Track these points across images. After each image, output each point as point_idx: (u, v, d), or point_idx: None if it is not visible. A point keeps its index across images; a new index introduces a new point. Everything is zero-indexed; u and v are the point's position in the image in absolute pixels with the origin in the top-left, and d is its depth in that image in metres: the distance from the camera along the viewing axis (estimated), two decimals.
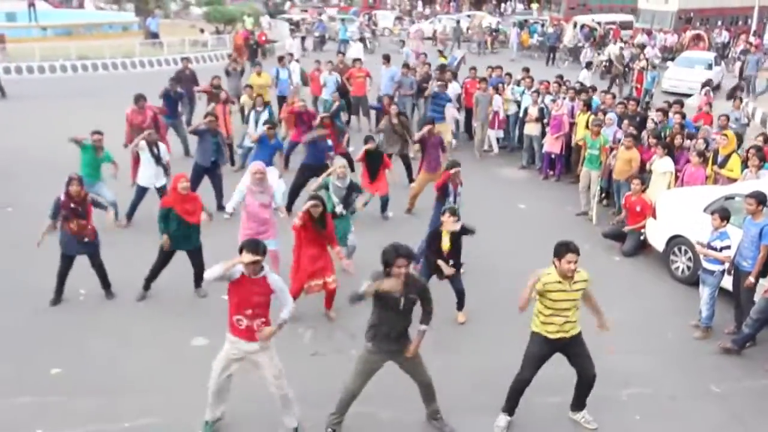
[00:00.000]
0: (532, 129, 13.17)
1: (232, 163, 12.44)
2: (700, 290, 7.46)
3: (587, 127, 11.40)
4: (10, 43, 24.01)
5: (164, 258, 7.67)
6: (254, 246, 5.05)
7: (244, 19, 30.51)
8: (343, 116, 14.34)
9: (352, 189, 8.29)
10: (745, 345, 7.05)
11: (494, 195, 11.63)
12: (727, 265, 7.19)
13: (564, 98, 12.92)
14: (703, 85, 15.88)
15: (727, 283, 7.42)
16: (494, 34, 33.84)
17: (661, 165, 9.85)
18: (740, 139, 11.55)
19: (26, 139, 13.99)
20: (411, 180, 11.57)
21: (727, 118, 11.51)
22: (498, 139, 14.50)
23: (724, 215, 7.08)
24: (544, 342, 5.51)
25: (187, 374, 6.34)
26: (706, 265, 7.30)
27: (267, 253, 5.19)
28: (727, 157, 9.69)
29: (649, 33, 32.63)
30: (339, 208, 8.05)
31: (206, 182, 10.21)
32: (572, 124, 12.43)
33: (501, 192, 12.02)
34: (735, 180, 9.30)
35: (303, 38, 30.09)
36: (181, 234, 7.48)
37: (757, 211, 6.99)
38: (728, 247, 7.07)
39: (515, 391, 5.69)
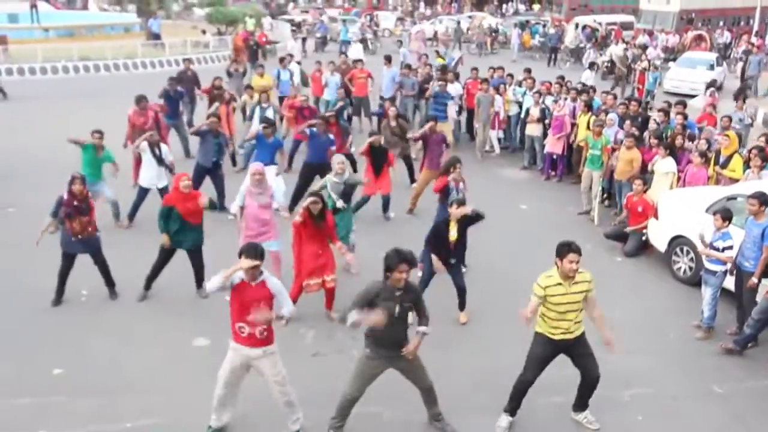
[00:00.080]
0: (533, 130, 13.17)
1: (234, 164, 12.45)
2: (702, 291, 7.44)
3: (588, 127, 11.40)
4: (13, 45, 24.06)
5: (165, 257, 7.67)
6: (253, 251, 5.05)
7: (245, 20, 30.54)
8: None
9: (351, 183, 8.27)
10: (747, 345, 7.03)
11: (496, 195, 11.62)
12: (729, 266, 7.17)
13: (565, 99, 12.92)
14: (708, 86, 15.85)
15: (729, 283, 7.42)
16: (494, 34, 33.85)
17: (664, 165, 9.84)
18: (740, 139, 11.54)
19: (28, 140, 14.01)
20: (413, 180, 11.59)
21: (730, 119, 11.50)
22: (499, 140, 14.51)
23: (726, 216, 7.07)
24: (547, 343, 5.49)
25: (189, 374, 6.35)
26: (708, 265, 7.29)
27: (265, 256, 5.19)
28: (729, 157, 9.68)
29: (650, 34, 32.62)
30: (339, 203, 8.05)
31: (208, 183, 10.20)
32: (574, 125, 12.42)
33: (503, 192, 12.01)
34: (737, 180, 9.29)
35: (304, 39, 30.11)
36: (182, 232, 7.48)
37: (760, 212, 6.98)
38: (730, 248, 7.05)
39: (518, 392, 5.67)
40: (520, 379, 5.65)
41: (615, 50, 23.52)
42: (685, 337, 7.43)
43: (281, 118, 13.59)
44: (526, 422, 5.82)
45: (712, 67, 22.91)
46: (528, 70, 15.12)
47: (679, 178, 9.87)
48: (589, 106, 12.31)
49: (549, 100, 13.20)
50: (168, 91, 12.79)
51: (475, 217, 7.24)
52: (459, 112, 14.88)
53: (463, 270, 7.76)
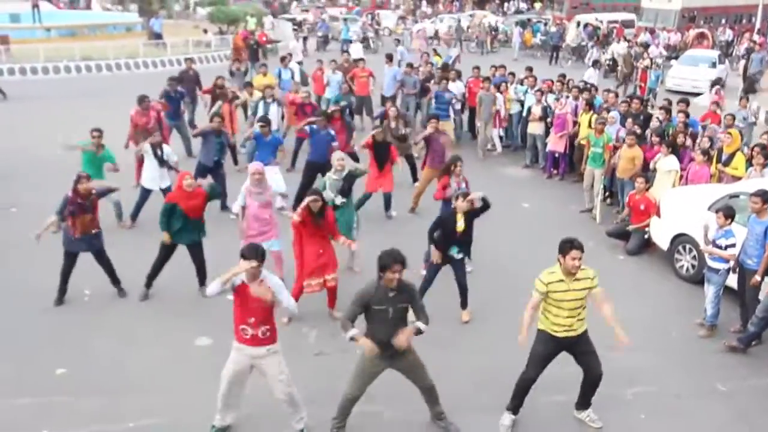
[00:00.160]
0: (535, 128, 13.16)
1: (236, 163, 12.44)
2: (705, 288, 7.43)
3: (590, 125, 11.39)
4: (14, 44, 24.09)
5: (165, 254, 7.67)
6: (253, 252, 5.07)
7: (247, 20, 30.54)
8: None
9: (350, 177, 8.24)
10: (750, 343, 7.02)
11: (498, 194, 11.48)
12: (731, 264, 7.16)
13: (567, 97, 12.91)
14: (713, 84, 15.80)
15: (732, 281, 7.40)
16: (494, 33, 33.82)
17: (666, 163, 9.82)
18: (742, 137, 11.50)
19: (30, 140, 14.02)
20: (415, 179, 11.58)
21: (734, 117, 11.47)
22: (500, 138, 14.50)
23: (729, 213, 7.05)
24: (550, 340, 5.49)
25: (191, 374, 6.36)
26: (711, 263, 7.27)
27: (266, 256, 5.20)
28: (732, 155, 9.66)
29: (652, 32, 32.54)
30: (338, 200, 8.02)
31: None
32: (575, 123, 12.41)
33: (505, 191, 11.98)
34: (740, 178, 9.27)
35: (305, 38, 30.09)
36: (184, 228, 7.49)
37: (762, 210, 6.96)
38: (733, 246, 7.04)
39: (520, 390, 5.67)
40: (522, 376, 5.65)
41: (617, 48, 23.48)
42: (688, 335, 7.41)
43: (282, 117, 13.56)
44: (529, 421, 5.81)
45: (714, 65, 22.86)
46: (530, 69, 15.11)
47: (681, 176, 9.86)
48: (590, 105, 12.31)
49: (551, 99, 13.18)
50: (168, 91, 12.77)
51: (483, 207, 7.24)
52: (461, 111, 14.88)
53: (469, 270, 7.75)
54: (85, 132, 9.40)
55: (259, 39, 24.75)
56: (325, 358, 6.74)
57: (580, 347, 5.54)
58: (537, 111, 13.02)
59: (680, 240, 8.77)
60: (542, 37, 31.73)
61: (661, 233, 9.17)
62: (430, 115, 11.57)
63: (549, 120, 12.89)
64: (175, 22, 37.82)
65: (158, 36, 27.84)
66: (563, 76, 14.79)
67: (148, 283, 7.80)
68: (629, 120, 11.28)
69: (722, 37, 32.38)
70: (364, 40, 29.89)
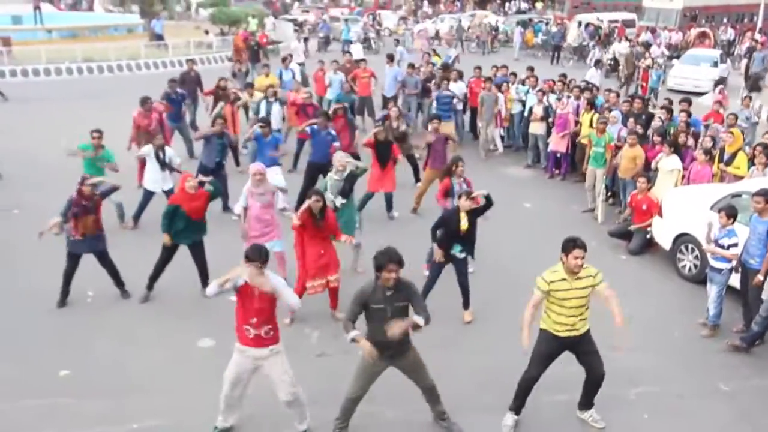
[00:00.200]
0: (537, 128, 13.15)
1: (237, 164, 12.45)
2: (708, 288, 7.42)
3: (592, 125, 11.38)
4: (16, 46, 24.09)
5: (167, 255, 7.68)
6: (257, 253, 5.08)
7: (248, 21, 30.57)
8: None
9: (351, 177, 8.24)
10: (753, 343, 7.01)
11: (500, 194, 11.44)
12: (734, 263, 7.15)
13: (569, 97, 12.90)
14: (716, 84, 15.78)
15: (735, 281, 7.39)
16: (495, 33, 33.80)
17: (668, 163, 9.81)
18: (744, 136, 11.49)
19: (31, 142, 14.03)
20: (417, 179, 11.58)
21: (736, 116, 11.46)
22: (502, 138, 14.50)
23: (731, 213, 7.04)
24: (552, 340, 5.49)
25: (194, 375, 6.37)
26: (713, 263, 7.27)
27: (269, 257, 5.21)
28: (734, 154, 9.65)
29: (653, 31, 32.51)
30: (338, 201, 8.01)
31: None
32: (577, 123, 12.40)
33: (506, 191, 11.95)
34: (742, 177, 9.26)
35: (306, 39, 30.09)
36: (186, 229, 7.50)
37: (765, 209, 6.94)
38: (735, 245, 7.03)
39: (523, 390, 5.67)
40: (524, 376, 5.65)
41: (619, 48, 23.44)
42: (691, 335, 7.41)
43: (283, 118, 13.56)
44: (531, 421, 5.81)
45: (715, 65, 22.83)
46: (531, 69, 15.12)
47: (683, 176, 9.85)
48: (592, 104, 12.31)
49: (552, 99, 13.18)
50: (169, 93, 12.76)
51: (486, 205, 7.25)
52: (463, 111, 14.87)
53: (471, 270, 7.74)
54: (87, 134, 9.41)
55: (260, 40, 24.77)
56: (327, 359, 6.75)
57: (582, 347, 5.54)
58: (538, 111, 13.01)
59: (682, 240, 8.76)
60: (543, 37, 31.71)
61: (663, 233, 9.17)
62: (432, 115, 11.56)
63: (550, 120, 12.89)
64: (176, 23, 37.81)
65: (159, 37, 27.85)
66: (564, 75, 14.78)
67: (150, 285, 7.81)
68: (631, 119, 11.27)
69: (724, 37, 32.33)
70: (365, 41, 29.90)
